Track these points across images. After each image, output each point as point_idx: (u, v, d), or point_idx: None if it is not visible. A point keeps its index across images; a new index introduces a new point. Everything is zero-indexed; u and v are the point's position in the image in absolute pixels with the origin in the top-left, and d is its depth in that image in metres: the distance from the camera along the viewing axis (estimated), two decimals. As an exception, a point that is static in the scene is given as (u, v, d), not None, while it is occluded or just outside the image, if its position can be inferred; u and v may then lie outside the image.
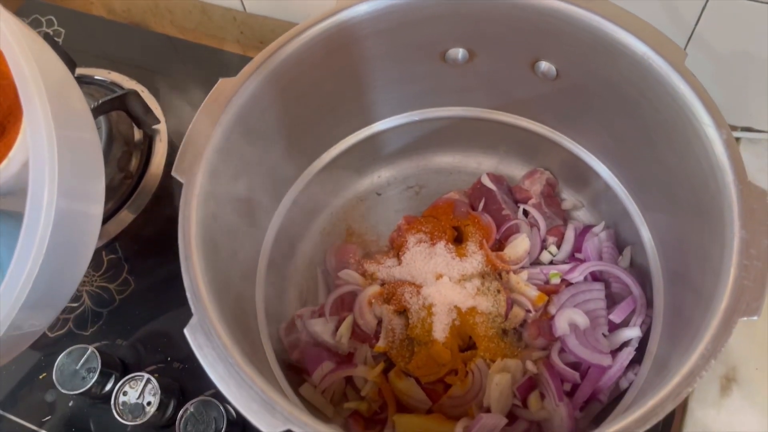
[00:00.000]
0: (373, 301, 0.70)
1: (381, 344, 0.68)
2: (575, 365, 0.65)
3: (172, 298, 0.79)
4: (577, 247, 0.73)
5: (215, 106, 0.57)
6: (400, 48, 0.67)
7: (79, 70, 0.99)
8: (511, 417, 0.65)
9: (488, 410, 0.64)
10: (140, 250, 0.88)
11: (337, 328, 0.70)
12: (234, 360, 0.47)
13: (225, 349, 0.48)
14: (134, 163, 0.93)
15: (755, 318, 0.45)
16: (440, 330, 0.66)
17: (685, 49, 0.79)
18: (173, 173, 0.55)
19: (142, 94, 0.95)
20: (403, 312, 0.69)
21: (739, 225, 0.49)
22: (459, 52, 0.68)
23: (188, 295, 0.50)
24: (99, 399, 0.77)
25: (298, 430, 0.44)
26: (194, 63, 1.03)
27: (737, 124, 0.89)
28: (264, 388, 0.46)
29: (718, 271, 0.48)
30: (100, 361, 0.75)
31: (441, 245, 0.70)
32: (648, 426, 0.42)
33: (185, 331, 0.48)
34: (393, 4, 0.61)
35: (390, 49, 0.67)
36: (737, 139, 0.88)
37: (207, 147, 0.56)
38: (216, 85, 0.58)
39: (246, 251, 0.66)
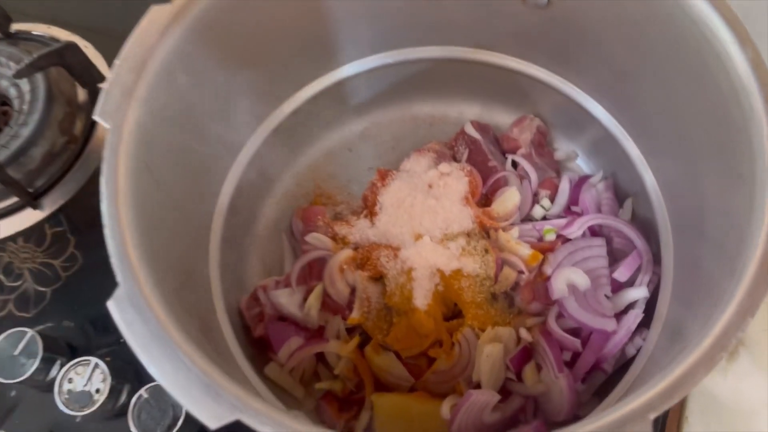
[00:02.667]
0: (345, 267, 0.61)
1: (355, 315, 0.60)
2: (575, 331, 0.58)
3: None
4: (573, 200, 0.65)
5: (147, 39, 0.48)
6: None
7: (14, 25, 0.88)
8: (505, 392, 0.57)
9: (478, 386, 0.57)
10: (89, 221, 0.80)
11: (305, 299, 0.62)
12: (171, 338, 0.39)
13: (159, 326, 0.39)
14: (78, 125, 0.83)
15: (798, 266, 0.38)
16: (422, 297, 0.58)
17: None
18: (94, 116, 0.45)
19: (85, 50, 0.85)
20: (379, 278, 0.61)
21: (773, 158, 0.41)
22: (436, -22, 0.59)
23: (113, 261, 0.41)
24: (44, 388, 0.69)
25: (249, 420, 0.36)
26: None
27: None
28: (207, 369, 0.38)
29: (746, 222, 0.40)
30: (41, 345, 0.67)
31: (420, 199, 0.61)
32: (677, 398, 0.35)
33: (108, 304, 0.40)
34: None
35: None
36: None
37: (138, 86, 0.47)
38: (147, 14, 0.49)
39: (194, 214, 0.58)
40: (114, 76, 0.47)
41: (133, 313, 0.39)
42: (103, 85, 0.46)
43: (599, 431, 0.34)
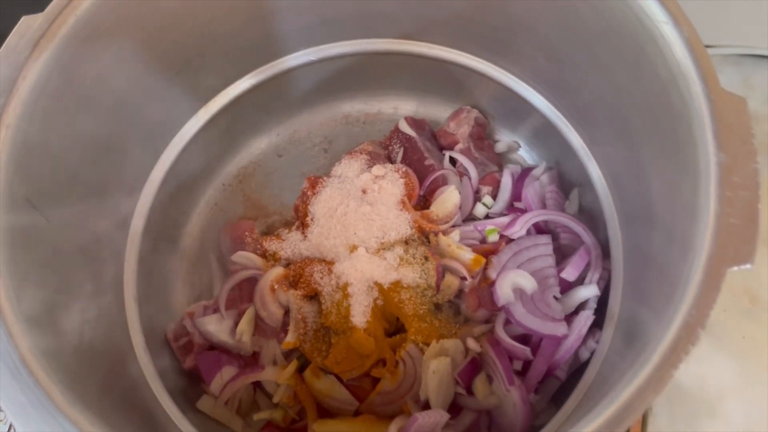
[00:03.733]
0: (276, 286, 0.57)
1: (290, 339, 0.55)
2: (525, 338, 0.54)
3: None
4: (516, 195, 0.61)
5: (16, 55, 0.42)
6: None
7: None
8: (455, 409, 0.54)
9: (427, 404, 0.53)
10: None
11: (236, 325, 0.57)
12: (53, 404, 0.33)
13: (42, 391, 0.34)
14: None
15: (748, 266, 0.34)
16: (360, 314, 0.53)
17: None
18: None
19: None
20: (314, 296, 0.57)
21: (715, 146, 0.37)
22: (352, -35, 0.54)
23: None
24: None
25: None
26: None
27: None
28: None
29: (693, 206, 0.37)
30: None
31: (353, 206, 0.57)
32: (631, 420, 0.31)
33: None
34: None
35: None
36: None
37: (8, 111, 0.41)
38: (17, 26, 0.43)
39: (101, 244, 0.52)
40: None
41: (9, 379, 0.34)
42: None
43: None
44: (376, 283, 0.54)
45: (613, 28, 0.45)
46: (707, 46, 0.78)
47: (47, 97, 0.43)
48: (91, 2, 0.45)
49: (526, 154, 0.68)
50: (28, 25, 0.43)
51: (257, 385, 0.58)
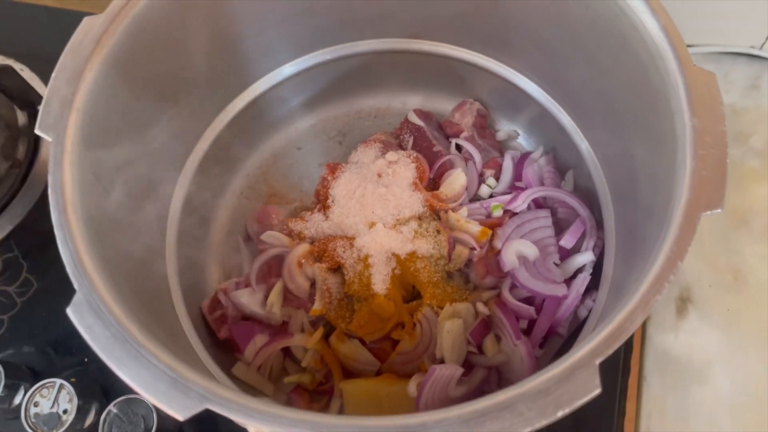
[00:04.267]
0: (303, 261, 0.62)
1: (317, 307, 0.61)
2: (529, 300, 0.60)
3: None
4: (517, 176, 0.68)
5: (82, 49, 0.48)
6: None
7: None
8: (467, 366, 0.59)
9: (442, 362, 0.58)
10: (40, 244, 0.79)
11: (266, 297, 0.63)
12: (133, 338, 0.39)
13: (121, 327, 0.39)
14: (21, 149, 0.82)
15: (719, 210, 0.41)
16: (380, 282, 0.59)
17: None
18: (36, 130, 0.45)
19: (21, 73, 0.84)
20: (337, 269, 0.63)
21: (690, 113, 0.44)
22: (365, -28, 0.61)
23: (68, 269, 0.42)
24: (10, 415, 0.68)
25: (219, 408, 0.37)
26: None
27: (663, 41, 0.85)
28: (173, 365, 0.38)
29: (673, 165, 0.43)
30: (2, 372, 0.66)
31: (370, 188, 0.63)
32: (620, 342, 0.37)
33: (68, 311, 0.40)
34: None
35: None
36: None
37: (77, 97, 0.47)
38: (80, 25, 0.49)
39: (146, 221, 0.58)
40: (51, 89, 0.47)
41: (93, 317, 0.40)
42: (44, 100, 0.46)
43: (552, 379, 0.36)
44: (393, 254, 0.60)
45: (599, 19, 0.52)
46: (689, 46, 0.85)
47: (107, 86, 0.49)
48: (144, 4, 0.51)
49: (524, 141, 0.74)
50: (90, 24, 0.49)
51: (286, 352, 0.63)
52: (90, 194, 0.46)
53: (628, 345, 0.71)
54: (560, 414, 0.35)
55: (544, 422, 0.35)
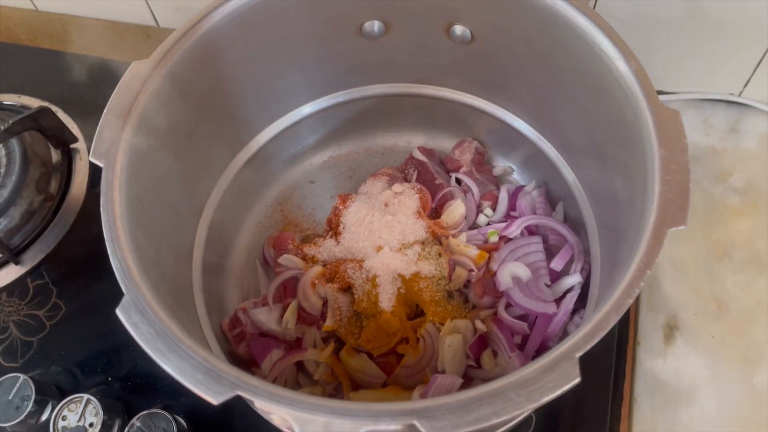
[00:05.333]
0: (316, 282, 0.68)
1: (329, 323, 0.67)
2: (523, 318, 0.66)
3: (106, 317, 0.75)
4: (512, 207, 0.74)
5: (131, 89, 0.55)
6: (316, 24, 0.67)
7: (-16, 97, 0.95)
8: (466, 379, 0.64)
9: (443, 373, 0.63)
10: (68, 272, 0.85)
11: (282, 316, 0.69)
12: (173, 333, 0.45)
13: (162, 324, 0.45)
14: (54, 184, 0.90)
15: (683, 227, 0.47)
16: (386, 300, 0.65)
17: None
18: (91, 158, 0.52)
19: (56, 114, 0.92)
20: (347, 289, 0.68)
21: (658, 145, 0.50)
22: (375, 25, 0.68)
23: (117, 275, 0.48)
24: (38, 430, 0.73)
25: (247, 394, 0.42)
26: (109, 79, 1.00)
27: (648, 89, 0.93)
28: (207, 357, 0.44)
29: (644, 191, 0.50)
30: (33, 388, 0.72)
31: (378, 216, 0.69)
32: (597, 339, 0.43)
33: (117, 311, 0.46)
34: (303, -23, 0.62)
35: (306, 25, 0.66)
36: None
37: (125, 130, 0.54)
38: (129, 68, 0.56)
39: (179, 244, 0.64)
40: (102, 123, 0.54)
41: (138, 316, 0.45)
42: (97, 131, 0.53)
43: (538, 369, 0.42)
44: (399, 274, 0.66)
45: (580, 65, 0.59)
46: (671, 93, 0.92)
47: (150, 123, 0.56)
48: (181, 55, 0.59)
49: (519, 176, 0.81)
50: (137, 68, 0.56)
51: (300, 366, 0.68)
52: (134, 213, 0.52)
53: (621, 372, 0.75)
54: (545, 399, 0.41)
55: (531, 406, 0.41)
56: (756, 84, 0.87)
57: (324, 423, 0.41)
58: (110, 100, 0.55)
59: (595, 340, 0.43)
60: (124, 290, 0.47)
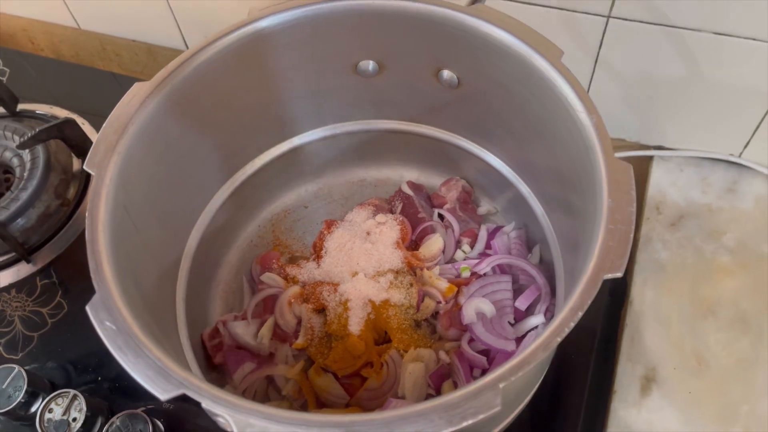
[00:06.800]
0: (293, 301, 0.72)
1: (300, 341, 0.70)
2: (485, 353, 0.68)
3: None
4: (488, 245, 0.77)
5: (129, 107, 0.61)
6: (313, 60, 0.72)
7: (21, 105, 1.02)
8: (426, 407, 0.66)
9: (403, 399, 0.66)
10: (75, 274, 0.90)
11: (258, 330, 0.72)
12: (134, 333, 0.49)
13: (126, 324, 0.49)
14: (71, 191, 0.95)
15: (619, 275, 0.49)
16: (355, 324, 0.68)
17: (592, 73, 0.85)
18: (84, 167, 0.57)
19: (82, 126, 0.98)
20: (321, 310, 0.72)
21: (607, 194, 0.53)
22: (369, 65, 0.73)
23: (92, 275, 0.52)
24: (25, 421, 0.77)
25: (192, 394, 0.46)
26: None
27: (649, 143, 0.95)
28: (161, 357, 0.48)
29: (591, 237, 0.52)
30: (26, 379, 0.75)
31: (358, 243, 0.73)
32: (521, 372, 0.45)
33: (87, 307, 0.50)
34: (302, 16, 0.66)
35: (303, 60, 0.71)
36: (650, 158, 0.95)
37: (119, 144, 0.59)
38: (131, 89, 0.62)
39: (164, 253, 0.69)
40: (100, 135, 0.59)
41: (105, 314, 0.50)
42: (94, 143, 0.58)
43: (463, 396, 0.44)
44: (370, 300, 0.69)
45: (551, 114, 0.62)
46: (671, 149, 0.94)
47: (145, 139, 0.61)
48: (181, 79, 0.64)
49: (502, 217, 0.84)
50: (139, 87, 0.62)
51: (270, 380, 0.72)
52: (119, 222, 0.57)
53: (593, 414, 0.77)
54: (464, 424, 0.43)
55: (450, 429, 0.43)
56: (755, 146, 0.89)
57: (261, 428, 0.45)
58: (110, 115, 0.60)
59: (520, 373, 0.45)
60: (96, 289, 0.51)
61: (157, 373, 0.47)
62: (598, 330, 0.80)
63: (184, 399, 0.47)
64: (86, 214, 0.55)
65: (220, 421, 0.47)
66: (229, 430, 0.46)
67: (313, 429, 0.44)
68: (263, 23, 0.66)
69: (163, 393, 0.46)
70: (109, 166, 0.57)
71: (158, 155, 0.64)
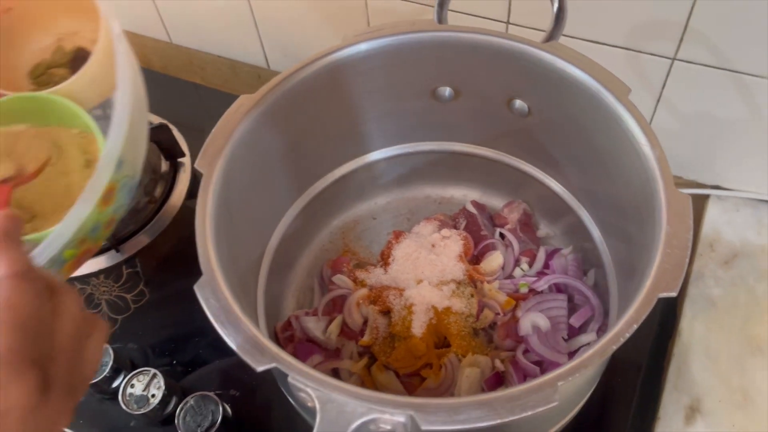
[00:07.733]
0: (360, 302, 0.78)
1: (366, 339, 0.76)
2: (538, 363, 0.72)
3: (182, 310, 0.86)
4: (546, 265, 0.81)
5: (236, 115, 0.69)
6: (395, 84, 0.79)
7: (116, 111, 1.12)
8: (479, 410, 0.71)
9: (458, 400, 0.71)
10: (157, 266, 0.98)
11: (327, 327, 0.78)
12: (234, 311, 0.56)
13: (227, 301, 0.56)
14: (159, 190, 1.04)
15: (673, 294, 0.53)
16: (418, 326, 0.74)
17: (654, 111, 0.90)
18: (196, 165, 0.65)
19: (172, 131, 1.07)
20: (387, 312, 0.78)
21: (666, 223, 0.57)
22: (446, 91, 0.79)
23: (200, 258, 0.59)
24: (107, 394, 0.84)
25: (282, 368, 0.52)
26: (219, 109, 1.16)
27: (706, 183, 0.98)
28: (257, 334, 0.54)
29: (649, 260, 0.57)
30: (112, 356, 0.83)
31: (424, 254, 0.79)
32: (577, 374, 0.50)
33: (195, 287, 0.57)
34: (389, 45, 0.74)
35: (387, 84, 0.78)
36: (706, 196, 0.98)
37: (225, 149, 0.67)
38: (238, 99, 0.70)
39: (251, 251, 0.76)
40: (209, 139, 0.67)
41: (210, 293, 0.57)
42: (204, 145, 0.66)
43: (524, 390, 0.50)
44: (433, 306, 0.75)
45: (616, 146, 0.67)
46: (729, 189, 0.96)
47: (248, 145, 0.69)
48: (279, 95, 0.72)
49: (559, 240, 0.88)
50: (244, 99, 0.69)
51: (335, 373, 0.77)
52: (220, 215, 0.64)
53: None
54: (524, 414, 0.48)
55: (511, 418, 0.48)
56: (811, 190, 0.91)
57: (341, 403, 0.50)
58: (218, 123, 0.68)
59: (577, 374, 0.50)
60: (203, 271, 0.58)
61: (254, 347, 0.53)
62: (645, 357, 0.83)
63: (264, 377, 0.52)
64: (197, 207, 0.62)
65: (302, 395, 0.53)
66: (309, 404, 0.52)
67: (388, 407, 0.50)
68: (355, 49, 0.73)
69: (257, 364, 0.52)
70: (215, 168, 0.65)
71: (254, 161, 0.72)
